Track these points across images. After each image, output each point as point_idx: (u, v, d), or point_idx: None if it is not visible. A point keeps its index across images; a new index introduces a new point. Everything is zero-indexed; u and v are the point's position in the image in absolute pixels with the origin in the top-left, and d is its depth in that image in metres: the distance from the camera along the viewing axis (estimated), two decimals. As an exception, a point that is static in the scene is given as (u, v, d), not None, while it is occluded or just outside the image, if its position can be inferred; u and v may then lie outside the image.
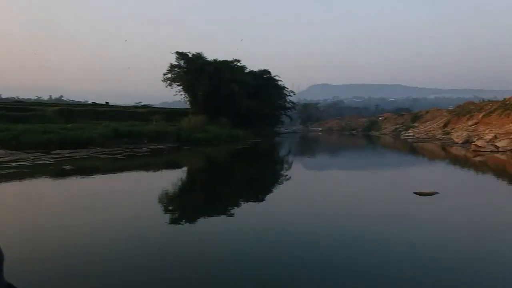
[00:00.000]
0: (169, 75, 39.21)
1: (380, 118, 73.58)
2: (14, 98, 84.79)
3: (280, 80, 49.24)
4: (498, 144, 25.16)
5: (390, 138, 47.95)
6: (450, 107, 58.16)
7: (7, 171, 13.27)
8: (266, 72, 48.19)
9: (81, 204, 8.85)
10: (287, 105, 52.47)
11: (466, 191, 11.62)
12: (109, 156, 19.08)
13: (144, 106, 48.34)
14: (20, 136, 20.08)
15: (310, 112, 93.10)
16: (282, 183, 13.32)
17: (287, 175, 15.45)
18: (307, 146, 36.75)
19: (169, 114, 37.56)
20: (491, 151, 23.80)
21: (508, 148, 24.27)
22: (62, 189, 11.16)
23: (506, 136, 27.41)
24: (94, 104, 45.64)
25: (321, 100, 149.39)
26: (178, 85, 39.73)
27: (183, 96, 40.92)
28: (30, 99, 78.17)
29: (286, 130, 66.76)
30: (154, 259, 5.37)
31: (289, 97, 51.98)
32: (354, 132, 68.84)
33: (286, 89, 50.91)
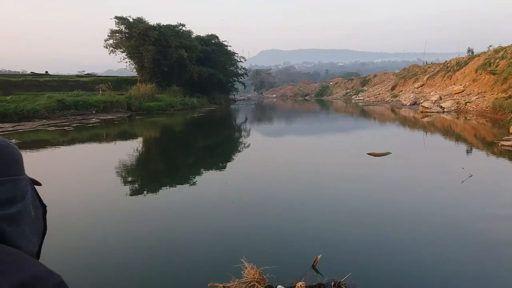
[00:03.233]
0: (110, 41, 37.15)
1: (330, 83, 74.86)
2: None
3: (230, 46, 48.21)
4: (443, 105, 26.48)
5: (341, 103, 49.08)
6: (396, 70, 60.08)
7: None
8: (214, 37, 46.72)
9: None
10: (239, 71, 51.68)
11: (416, 150, 12.17)
12: (57, 128, 18.13)
13: (88, 75, 45.85)
14: (-47, 111, 18.56)
15: (262, 78, 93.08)
16: (241, 151, 13.32)
17: (245, 142, 15.45)
18: (263, 113, 36.85)
19: (116, 82, 35.78)
20: (437, 112, 25.03)
21: (453, 108, 25.63)
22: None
23: (450, 97, 28.89)
24: (33, 74, 42.65)
25: (272, 66, 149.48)
26: (122, 52, 37.86)
27: (128, 63, 39.13)
28: (-40, 70, 71.90)
29: (241, 98, 66.41)
30: (116, 233, 5.21)
31: (240, 63, 51.11)
32: (307, 97, 69.78)
33: (236, 54, 49.94)
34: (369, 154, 10.45)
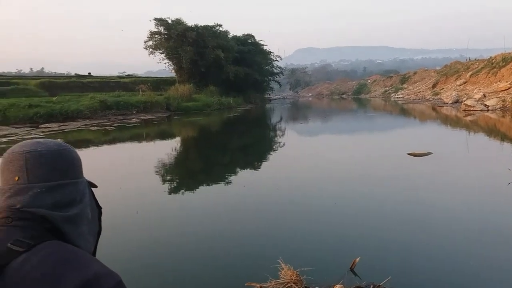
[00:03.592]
0: (150, 43, 38.13)
1: (369, 81, 73.51)
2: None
3: (266, 45, 48.17)
4: (487, 103, 25.37)
5: (380, 101, 48.04)
6: (438, 67, 58.16)
7: (-4, 147, 13.00)
8: (250, 36, 46.92)
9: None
10: (275, 70, 51.57)
11: (459, 150, 11.72)
12: (99, 128, 18.80)
13: (129, 76, 47.25)
14: (5, 111, 19.61)
15: (298, 77, 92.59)
16: (276, 150, 13.31)
17: (280, 142, 15.43)
18: (298, 112, 36.65)
19: (155, 83, 36.71)
20: (481, 110, 24.01)
21: (498, 106, 24.50)
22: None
23: (495, 95, 27.63)
24: (77, 75, 44.45)
25: (308, 64, 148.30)
26: (161, 53, 38.76)
27: (167, 64, 40.03)
28: (11, 72, 76.00)
29: (276, 97, 66.36)
30: (155, 229, 5.34)
31: (276, 62, 50.99)
32: (344, 96, 68.85)
33: (272, 53, 49.85)
34: (409, 154, 10.16)
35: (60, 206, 0.82)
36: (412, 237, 4.85)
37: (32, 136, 15.50)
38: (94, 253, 0.90)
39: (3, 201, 0.80)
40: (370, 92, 65.19)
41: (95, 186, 0.98)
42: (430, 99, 39.66)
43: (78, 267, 0.69)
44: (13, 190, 0.80)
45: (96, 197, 0.96)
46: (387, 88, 60.28)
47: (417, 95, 46.31)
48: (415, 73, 58.43)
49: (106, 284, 0.69)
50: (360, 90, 69.51)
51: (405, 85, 56.17)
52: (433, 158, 9.83)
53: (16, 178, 0.81)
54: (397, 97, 49.36)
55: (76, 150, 1.01)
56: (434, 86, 45.39)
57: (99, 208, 0.98)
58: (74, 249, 0.76)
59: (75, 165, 0.91)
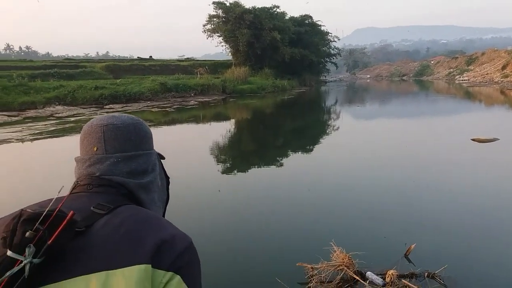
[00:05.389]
0: (208, 26, 38.68)
1: (432, 62, 69.75)
2: (63, 56, 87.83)
3: (323, 25, 46.98)
4: None
5: (443, 83, 45.60)
6: (509, 48, 53.88)
7: (67, 125, 14.01)
8: (308, 17, 46.02)
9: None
10: (332, 51, 50.30)
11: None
12: (160, 109, 19.58)
13: (188, 59, 48.40)
14: (74, 92, 20.96)
15: (356, 58, 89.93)
16: (330, 133, 13.15)
17: (334, 125, 15.22)
18: (355, 95, 35.73)
19: (213, 66, 37.42)
20: (557, 94, 22.10)
21: None
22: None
23: None
24: (139, 59, 46.30)
25: (367, 44, 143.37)
26: (219, 36, 39.22)
27: (224, 47, 40.50)
28: (79, 56, 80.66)
29: (332, 79, 65.01)
30: (209, 211, 5.56)
31: (333, 43, 49.55)
32: (404, 77, 65.99)
33: (329, 34, 48.52)
34: (473, 140, 9.66)
35: (135, 174, 0.90)
36: (472, 228, 4.67)
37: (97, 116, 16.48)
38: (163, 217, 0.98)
39: (84, 169, 0.88)
40: (433, 74, 61.91)
41: (163, 158, 1.05)
42: (499, 81, 37.01)
43: (156, 228, 0.77)
44: (92, 159, 0.88)
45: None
46: (451, 70, 56.90)
47: (484, 77, 43.35)
48: (483, 53, 54.50)
49: (180, 244, 0.76)
50: (422, 72, 66.21)
51: (471, 67, 52.67)
52: (500, 144, 9.28)
53: (95, 149, 0.88)
54: (462, 80, 46.53)
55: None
56: (504, 67, 42.18)
57: (167, 177, 1.06)
58: (150, 213, 0.84)
59: (147, 138, 0.97)
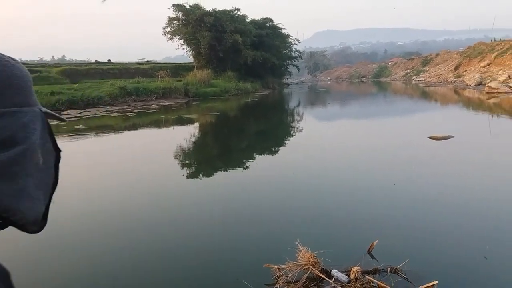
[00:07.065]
0: (168, 29, 38.25)
1: (389, 64, 71.97)
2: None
3: (284, 28, 47.47)
4: (512, 84, 24.64)
5: (401, 84, 47.19)
6: (461, 49, 56.44)
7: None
8: (269, 20, 46.33)
9: (95, 162, 8.94)
10: (293, 54, 50.96)
11: (481, 134, 11.49)
12: (120, 114, 19.09)
13: (148, 62, 47.52)
14: (29, 99, 20.05)
15: (317, 61, 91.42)
16: (294, 135, 13.28)
17: (298, 127, 15.39)
18: (317, 96, 36.34)
19: (174, 69, 36.84)
20: (505, 92, 23.36)
21: (523, 88, 23.78)
22: (79, 147, 11.21)
23: (521, 76, 26.81)
24: (97, 62, 44.99)
25: (327, 47, 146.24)
26: (179, 39, 38.82)
27: (185, 50, 40.11)
28: (33, 60, 77.42)
29: (294, 81, 65.72)
30: (173, 214, 5.46)
31: (294, 45, 50.26)
32: (363, 79, 67.67)
33: (290, 37, 49.14)
34: (430, 137, 10.03)
35: None
36: (431, 221, 4.83)
37: (54, 123, 15.84)
38: (46, 212, 0.62)
39: None
40: (391, 75, 63.95)
41: (61, 120, 0.72)
42: (452, 81, 38.74)
43: None
44: None
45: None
46: (408, 71, 59.00)
47: (439, 77, 45.25)
48: (437, 55, 56.90)
49: None
50: (380, 73, 68.22)
51: (426, 68, 54.84)
52: (454, 141, 9.68)
53: None
54: (418, 80, 48.33)
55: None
56: (456, 68, 44.21)
57: (58, 151, 0.67)
58: None
59: (17, 87, 0.61)
